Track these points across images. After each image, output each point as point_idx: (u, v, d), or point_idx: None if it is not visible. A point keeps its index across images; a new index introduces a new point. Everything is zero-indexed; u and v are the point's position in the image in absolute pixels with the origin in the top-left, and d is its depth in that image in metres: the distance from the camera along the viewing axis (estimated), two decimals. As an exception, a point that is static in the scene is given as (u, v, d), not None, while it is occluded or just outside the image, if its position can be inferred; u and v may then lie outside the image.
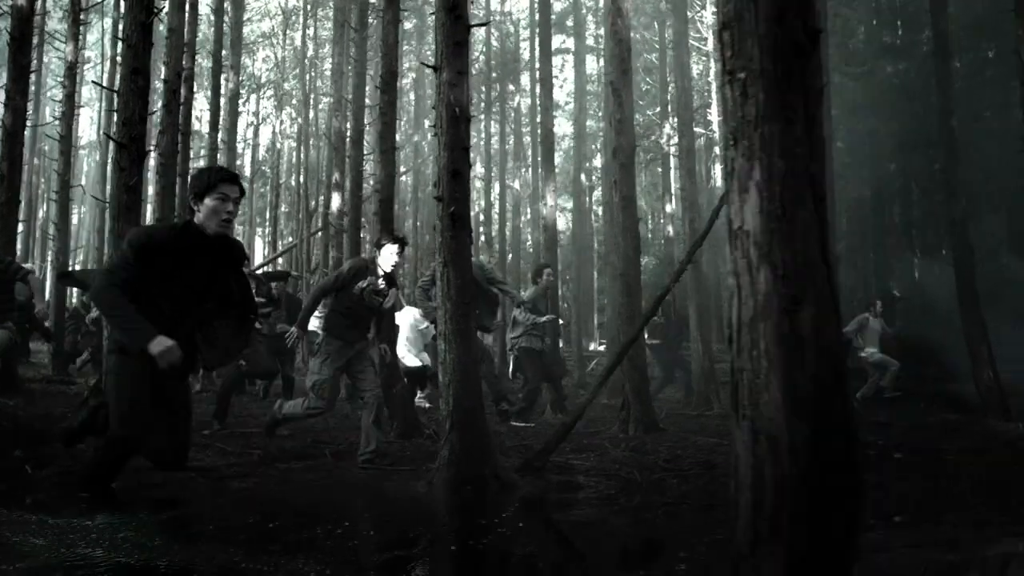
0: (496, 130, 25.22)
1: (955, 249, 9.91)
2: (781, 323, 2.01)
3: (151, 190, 16.16)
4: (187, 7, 10.64)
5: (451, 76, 4.14)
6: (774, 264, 2.03)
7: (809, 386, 1.99)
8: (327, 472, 5.05)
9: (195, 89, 15.53)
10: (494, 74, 23.35)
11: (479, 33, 21.77)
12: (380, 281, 5.69)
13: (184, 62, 10.81)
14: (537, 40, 17.80)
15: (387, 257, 5.68)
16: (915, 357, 11.09)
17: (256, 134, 30.12)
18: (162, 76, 9.99)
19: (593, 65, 26.76)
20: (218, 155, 15.02)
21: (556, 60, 22.34)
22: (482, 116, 23.61)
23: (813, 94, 2.13)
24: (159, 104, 9.64)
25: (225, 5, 16.23)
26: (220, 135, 15.13)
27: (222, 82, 14.94)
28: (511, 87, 24.30)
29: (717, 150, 19.76)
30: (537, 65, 17.38)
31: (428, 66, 4.82)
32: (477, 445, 4.60)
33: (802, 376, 1.99)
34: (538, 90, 16.43)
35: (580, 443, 6.47)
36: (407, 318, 8.99)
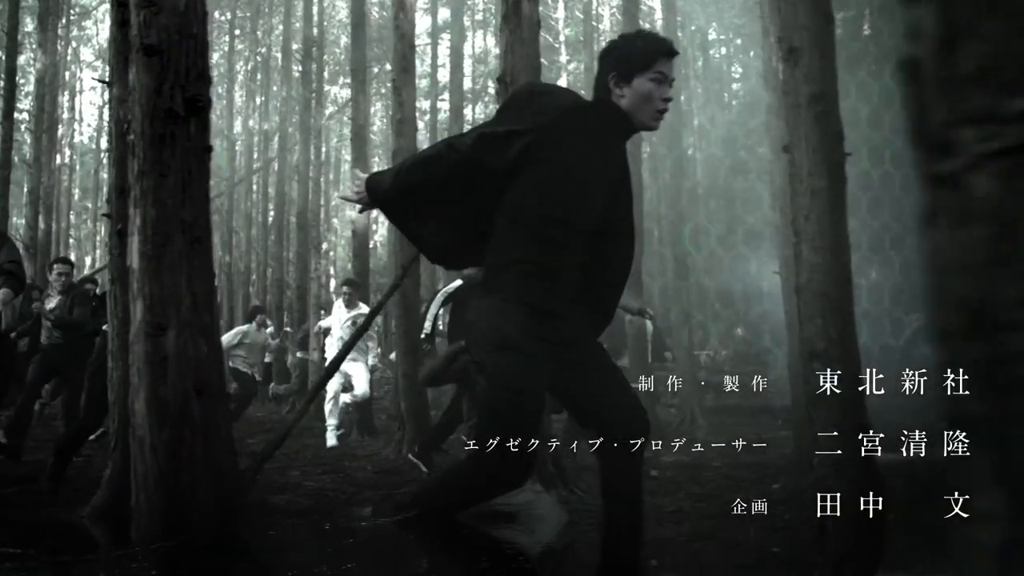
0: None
1: None
2: (147, 345, 2.43)
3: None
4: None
5: (121, 92, 4.33)
6: (145, 296, 2.45)
7: (170, 396, 2.44)
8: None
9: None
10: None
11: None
12: None
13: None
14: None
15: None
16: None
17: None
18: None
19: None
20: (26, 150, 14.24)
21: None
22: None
23: (195, 152, 2.56)
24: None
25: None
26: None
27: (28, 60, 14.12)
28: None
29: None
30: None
31: (101, 81, 5.02)
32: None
33: (164, 389, 2.43)
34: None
35: (338, 464, 5.90)
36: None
